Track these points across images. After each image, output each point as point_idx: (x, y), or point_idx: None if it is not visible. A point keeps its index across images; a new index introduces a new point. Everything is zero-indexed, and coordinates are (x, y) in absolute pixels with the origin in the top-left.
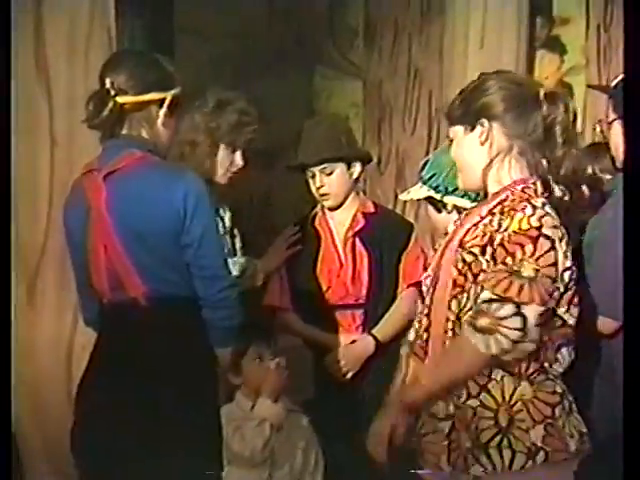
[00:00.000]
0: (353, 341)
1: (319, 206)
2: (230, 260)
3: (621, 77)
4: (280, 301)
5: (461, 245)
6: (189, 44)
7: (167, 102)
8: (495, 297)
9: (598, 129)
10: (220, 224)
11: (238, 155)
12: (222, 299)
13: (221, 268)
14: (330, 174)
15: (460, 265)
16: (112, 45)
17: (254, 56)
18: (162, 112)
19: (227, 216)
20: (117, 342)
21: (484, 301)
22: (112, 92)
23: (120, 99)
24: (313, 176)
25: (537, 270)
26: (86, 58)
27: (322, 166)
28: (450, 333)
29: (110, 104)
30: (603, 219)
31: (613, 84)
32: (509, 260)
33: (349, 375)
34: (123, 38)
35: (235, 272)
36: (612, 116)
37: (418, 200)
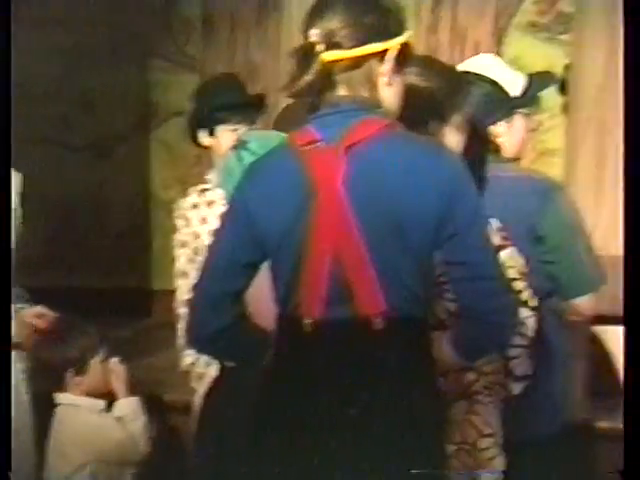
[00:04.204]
0: None
1: None
2: None
3: None
4: None
5: None
6: (24, 33)
7: (392, 54)
8: None
9: None
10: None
11: None
12: (500, 307)
13: (492, 265)
14: None
15: None
16: None
17: (86, 47)
18: (386, 68)
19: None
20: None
21: None
22: (319, 47)
23: (329, 55)
24: None
25: None
26: None
27: None
28: None
29: (316, 64)
30: None
31: None
32: None
33: None
34: None
35: None
36: None
37: None
